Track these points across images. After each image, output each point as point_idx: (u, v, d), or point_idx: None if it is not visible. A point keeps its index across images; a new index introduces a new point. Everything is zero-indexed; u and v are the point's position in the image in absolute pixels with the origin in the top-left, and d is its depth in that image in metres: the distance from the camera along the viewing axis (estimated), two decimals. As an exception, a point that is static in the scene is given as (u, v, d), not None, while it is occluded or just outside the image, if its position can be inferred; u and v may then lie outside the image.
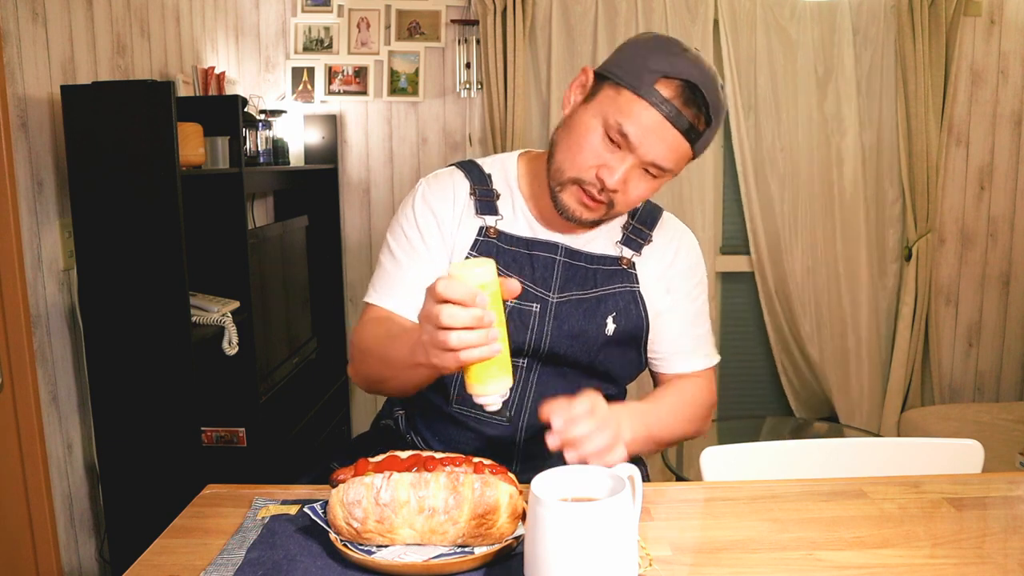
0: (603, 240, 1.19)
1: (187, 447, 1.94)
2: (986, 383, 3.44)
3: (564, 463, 1.17)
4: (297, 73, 3.20)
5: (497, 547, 0.87)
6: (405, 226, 1.17)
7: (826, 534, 0.94)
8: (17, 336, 1.70)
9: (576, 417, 0.91)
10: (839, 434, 2.97)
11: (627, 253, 1.19)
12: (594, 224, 1.15)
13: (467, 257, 1.15)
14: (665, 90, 1.02)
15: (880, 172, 3.24)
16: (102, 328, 1.89)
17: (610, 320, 1.15)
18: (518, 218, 1.18)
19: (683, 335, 1.22)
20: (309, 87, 3.20)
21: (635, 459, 1.28)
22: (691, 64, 1.03)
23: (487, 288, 0.84)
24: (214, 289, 2.25)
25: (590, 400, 0.94)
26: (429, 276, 1.09)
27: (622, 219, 1.21)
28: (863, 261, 3.24)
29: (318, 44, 3.18)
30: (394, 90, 3.20)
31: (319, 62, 3.19)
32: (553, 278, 1.15)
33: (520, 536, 0.89)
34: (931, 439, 1.28)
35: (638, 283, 1.18)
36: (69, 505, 1.97)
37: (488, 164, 1.22)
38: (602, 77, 1.07)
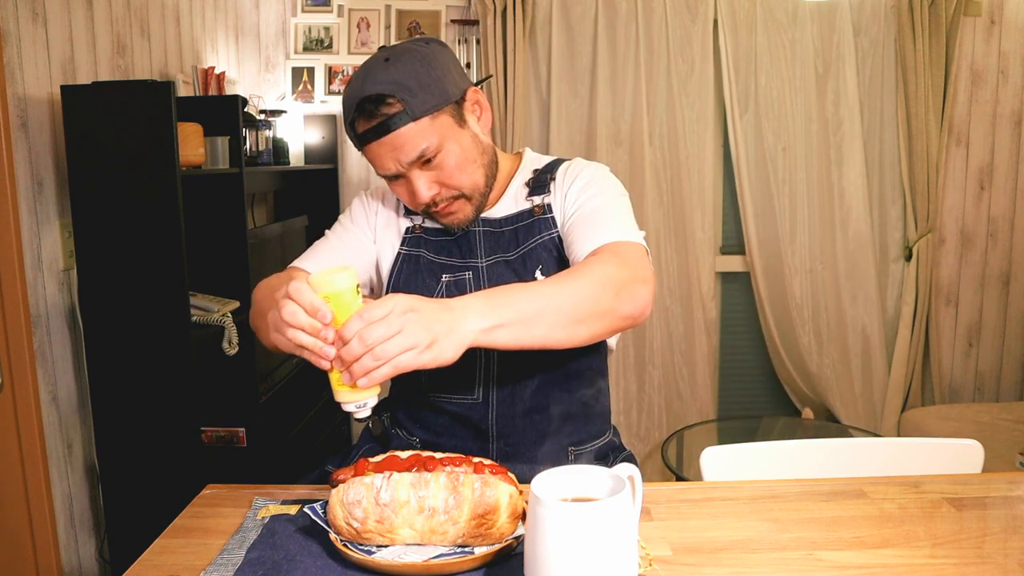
0: (512, 201, 1.26)
1: (187, 447, 1.94)
2: (986, 383, 3.44)
3: (541, 441, 1.18)
4: (297, 73, 3.20)
5: (497, 547, 0.87)
6: (343, 217, 1.33)
7: (826, 534, 0.94)
8: (17, 336, 1.70)
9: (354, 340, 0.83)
10: (839, 434, 2.97)
11: (536, 200, 1.24)
12: (477, 212, 1.22)
13: (398, 254, 1.25)
14: (360, 126, 1.12)
15: (880, 172, 3.24)
16: (102, 328, 1.90)
17: (538, 273, 1.18)
18: None
19: (582, 236, 1.12)
20: (309, 87, 3.20)
21: (629, 457, 1.29)
22: (350, 91, 1.12)
23: (338, 299, 0.86)
24: (214, 289, 2.25)
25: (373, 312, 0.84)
26: (349, 250, 1.26)
27: (525, 176, 1.26)
28: (863, 261, 3.24)
29: (318, 44, 3.18)
30: (394, 90, 3.19)
31: (319, 62, 3.19)
32: (478, 247, 1.23)
33: (520, 536, 0.89)
34: (931, 439, 1.28)
35: (555, 226, 1.21)
36: (69, 505, 1.97)
37: None
38: None
